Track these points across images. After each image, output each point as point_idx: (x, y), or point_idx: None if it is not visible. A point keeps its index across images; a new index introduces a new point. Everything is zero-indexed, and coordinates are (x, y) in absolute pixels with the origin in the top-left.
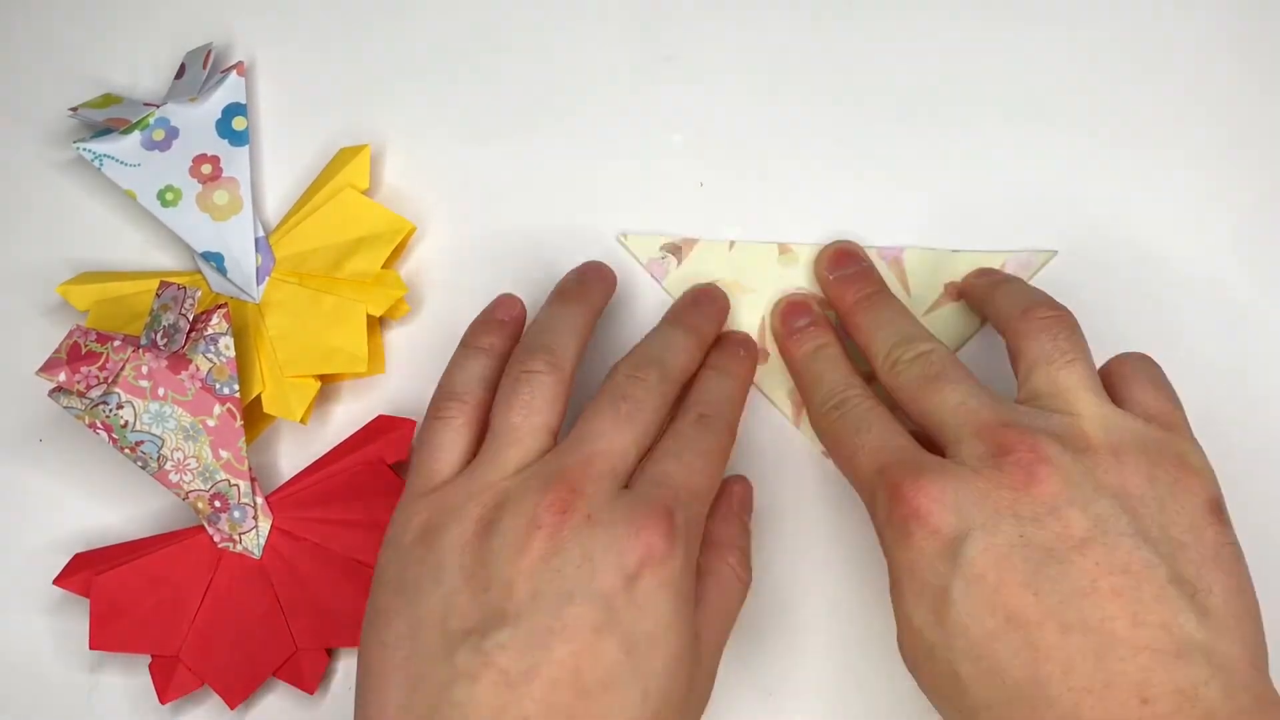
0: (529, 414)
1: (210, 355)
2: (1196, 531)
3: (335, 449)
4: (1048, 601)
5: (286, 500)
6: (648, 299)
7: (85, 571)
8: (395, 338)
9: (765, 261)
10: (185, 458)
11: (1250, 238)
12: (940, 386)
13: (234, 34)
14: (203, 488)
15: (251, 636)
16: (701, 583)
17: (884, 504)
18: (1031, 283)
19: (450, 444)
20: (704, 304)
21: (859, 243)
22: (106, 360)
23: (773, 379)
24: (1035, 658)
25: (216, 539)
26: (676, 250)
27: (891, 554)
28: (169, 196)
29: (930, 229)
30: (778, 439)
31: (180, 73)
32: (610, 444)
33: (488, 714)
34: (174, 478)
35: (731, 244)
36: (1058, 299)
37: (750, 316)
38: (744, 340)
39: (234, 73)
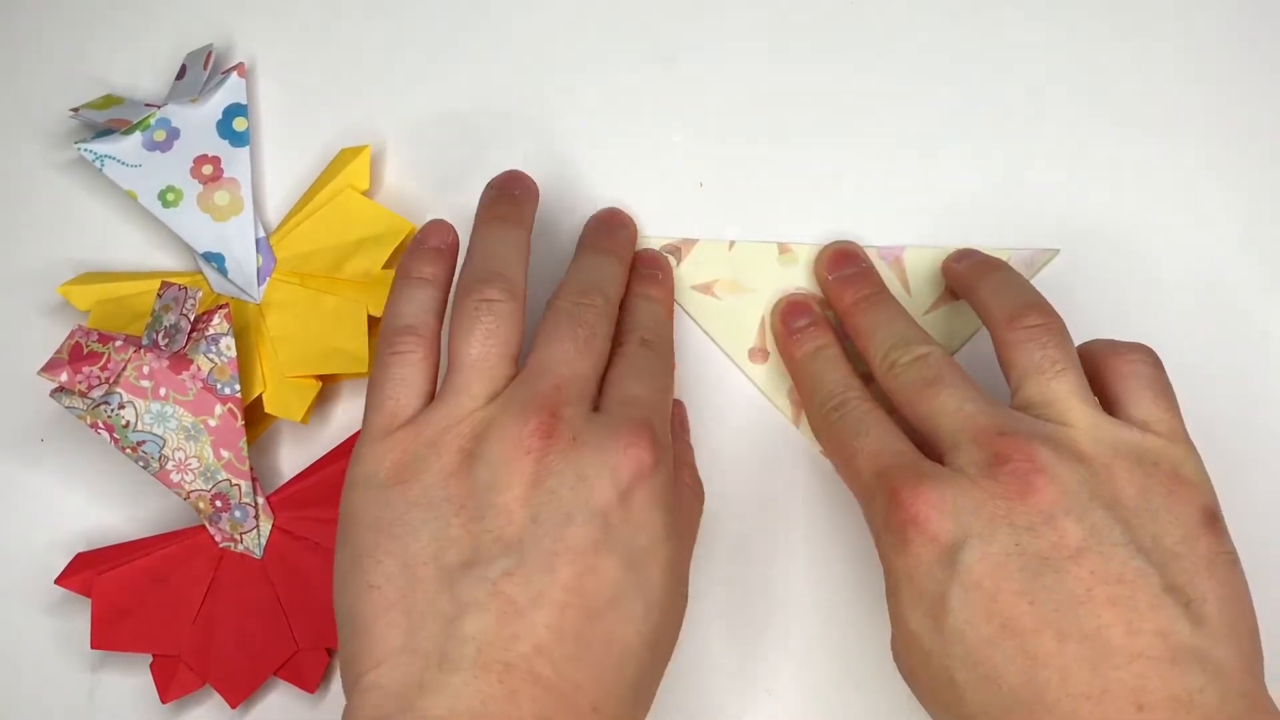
0: (492, 343)
1: (211, 355)
2: (1190, 541)
3: (336, 449)
4: (1044, 609)
5: (288, 500)
6: None
7: (87, 571)
8: None
9: (765, 261)
10: (186, 458)
11: (1251, 238)
12: (938, 390)
13: (234, 35)
14: (204, 488)
15: (252, 636)
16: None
17: (882, 509)
18: (1033, 282)
19: (409, 378)
20: (617, 229)
21: (859, 242)
22: (108, 360)
23: (773, 379)
24: (1032, 665)
25: (218, 539)
26: (676, 250)
27: (888, 559)
28: (170, 197)
29: (930, 229)
30: (778, 439)
31: (181, 74)
32: (574, 369)
33: (499, 643)
34: (175, 478)
35: (731, 244)
36: (1058, 299)
37: (750, 317)
38: (655, 260)
39: (235, 74)
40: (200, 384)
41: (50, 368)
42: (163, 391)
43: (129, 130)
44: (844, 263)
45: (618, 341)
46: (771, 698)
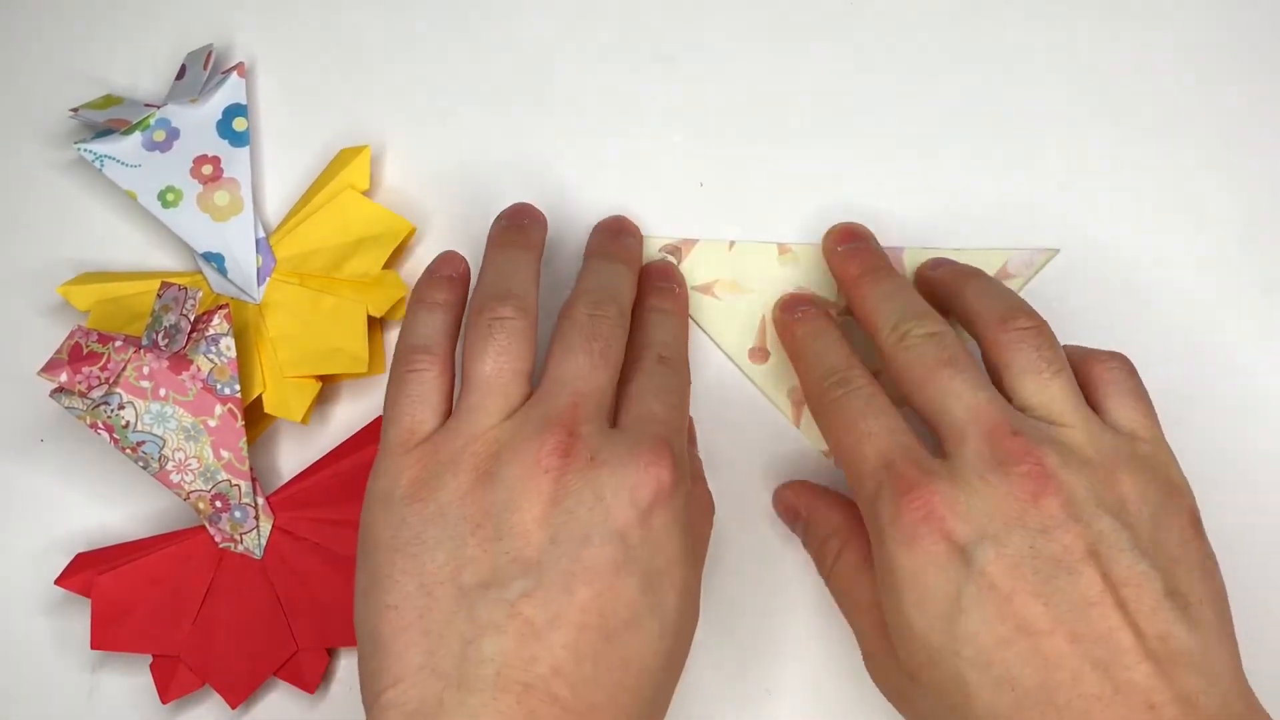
0: (506, 360)
1: (211, 356)
2: (1185, 545)
3: (336, 449)
4: (1058, 611)
5: (287, 500)
6: None
7: (86, 572)
8: (395, 338)
9: (765, 261)
10: (186, 458)
11: (1251, 237)
12: (951, 374)
13: (234, 35)
14: (204, 488)
15: (252, 636)
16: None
17: (890, 503)
18: (1034, 281)
19: (426, 395)
20: (624, 235)
21: None
22: (108, 361)
23: (773, 379)
24: (1046, 665)
25: (217, 539)
26: (676, 251)
27: (892, 556)
28: (170, 197)
29: (931, 229)
30: (778, 439)
31: (181, 74)
32: (590, 384)
33: (518, 665)
34: (175, 478)
35: (731, 244)
36: (1058, 299)
37: (750, 317)
38: (669, 272)
39: (234, 73)
40: (200, 384)
41: (50, 368)
42: (162, 392)
43: (129, 130)
44: (852, 238)
45: (634, 356)
46: (771, 697)
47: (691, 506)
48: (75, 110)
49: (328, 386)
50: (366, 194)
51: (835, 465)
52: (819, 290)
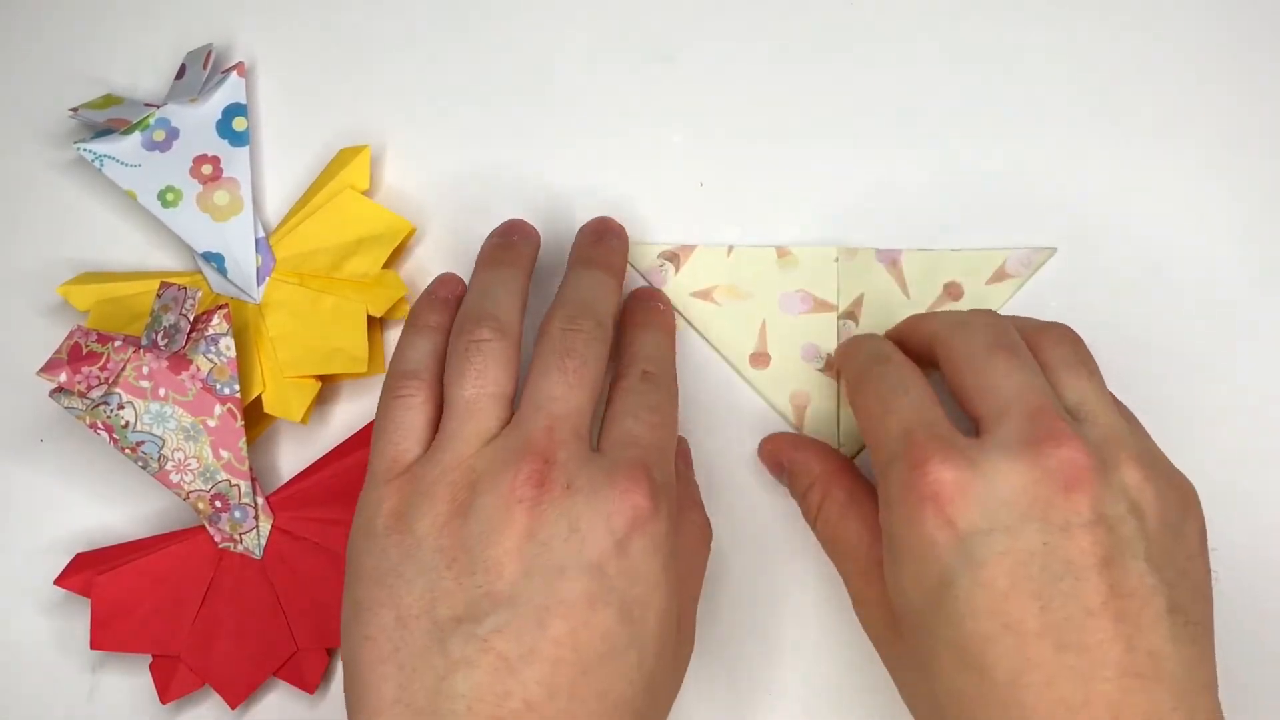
0: (483, 384)
1: (211, 355)
2: (1193, 560)
3: (336, 449)
4: (1053, 617)
5: (287, 500)
6: None
7: (86, 571)
8: (395, 338)
9: (764, 265)
10: (186, 458)
11: (1251, 238)
12: (1008, 357)
13: (234, 34)
14: (203, 488)
15: (252, 636)
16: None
17: (900, 475)
18: (1033, 281)
19: (411, 423)
20: (608, 238)
21: (859, 243)
22: (107, 361)
23: (774, 384)
24: (1024, 666)
25: (217, 539)
26: (674, 257)
27: (893, 526)
28: (169, 197)
29: (930, 229)
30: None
31: (180, 73)
32: (567, 405)
33: (490, 700)
34: (175, 478)
35: (730, 249)
36: (1058, 299)
37: (750, 322)
38: (656, 294)
39: (234, 73)
40: (199, 384)
41: (49, 368)
42: (162, 392)
43: (128, 130)
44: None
45: (618, 373)
46: (771, 697)
47: (680, 532)
48: (75, 110)
49: (327, 386)
50: (366, 194)
51: (864, 443)
52: (818, 290)
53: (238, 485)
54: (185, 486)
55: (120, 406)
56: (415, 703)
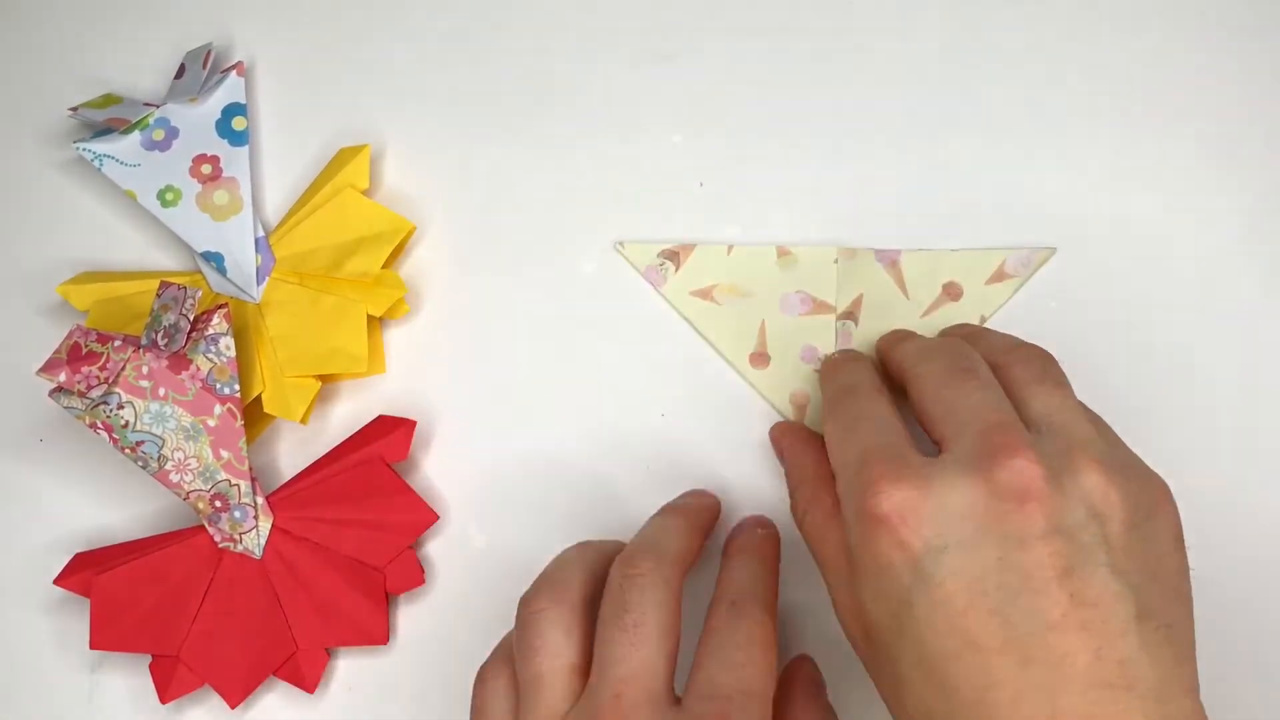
0: (546, 658)
1: (211, 355)
2: (1163, 560)
3: (336, 449)
4: (1015, 632)
5: (287, 500)
6: (646, 307)
7: (86, 571)
8: (395, 338)
9: (764, 264)
10: (186, 458)
11: (1252, 236)
12: (968, 379)
13: (234, 34)
14: (203, 488)
15: (252, 636)
16: None
17: (856, 495)
18: (1032, 282)
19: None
20: (691, 495)
21: (859, 242)
22: (107, 360)
23: (774, 383)
24: (989, 683)
25: (217, 539)
26: (674, 256)
27: (855, 551)
28: (169, 196)
29: (931, 228)
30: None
31: (180, 73)
32: (631, 668)
33: None
34: (174, 478)
35: (730, 248)
36: (1058, 300)
37: (750, 321)
38: (760, 520)
39: (234, 73)
40: (199, 384)
41: (49, 368)
42: (162, 391)
43: (128, 129)
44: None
45: (709, 609)
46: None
47: None
48: (74, 109)
49: (327, 386)
50: (366, 193)
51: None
52: (817, 291)
53: (238, 485)
54: (185, 486)
55: (120, 406)
56: None
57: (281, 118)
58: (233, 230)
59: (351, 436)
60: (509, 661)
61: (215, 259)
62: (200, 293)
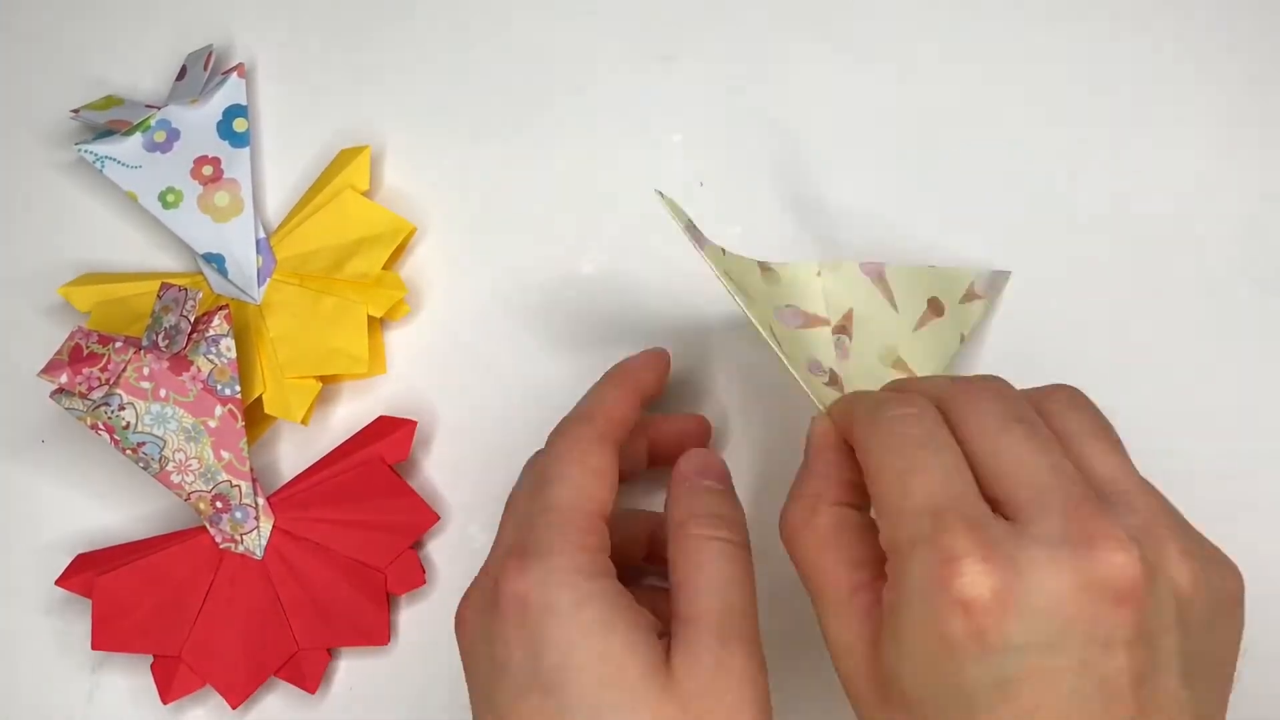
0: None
1: (211, 356)
2: (1225, 667)
3: (336, 450)
4: None
5: (288, 501)
6: (646, 308)
7: (87, 572)
8: (396, 338)
9: (752, 277)
10: (187, 459)
11: (1251, 238)
12: (1029, 434)
13: (234, 35)
14: (204, 489)
15: (253, 636)
16: None
17: (927, 565)
18: (1032, 284)
19: None
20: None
21: (860, 242)
22: (108, 362)
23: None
24: None
25: (218, 539)
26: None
27: (908, 621)
28: (170, 198)
29: (931, 227)
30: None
31: (181, 74)
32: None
33: None
34: (175, 479)
35: (724, 251)
36: (1057, 300)
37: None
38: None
39: (234, 74)
40: (200, 385)
41: (50, 369)
42: (163, 393)
43: (129, 131)
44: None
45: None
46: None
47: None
48: (76, 111)
49: (328, 387)
50: (366, 194)
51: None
52: (806, 305)
53: (239, 486)
54: (186, 487)
55: (121, 407)
56: None
57: (282, 119)
58: (234, 231)
59: (352, 437)
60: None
61: (216, 260)
62: (201, 294)
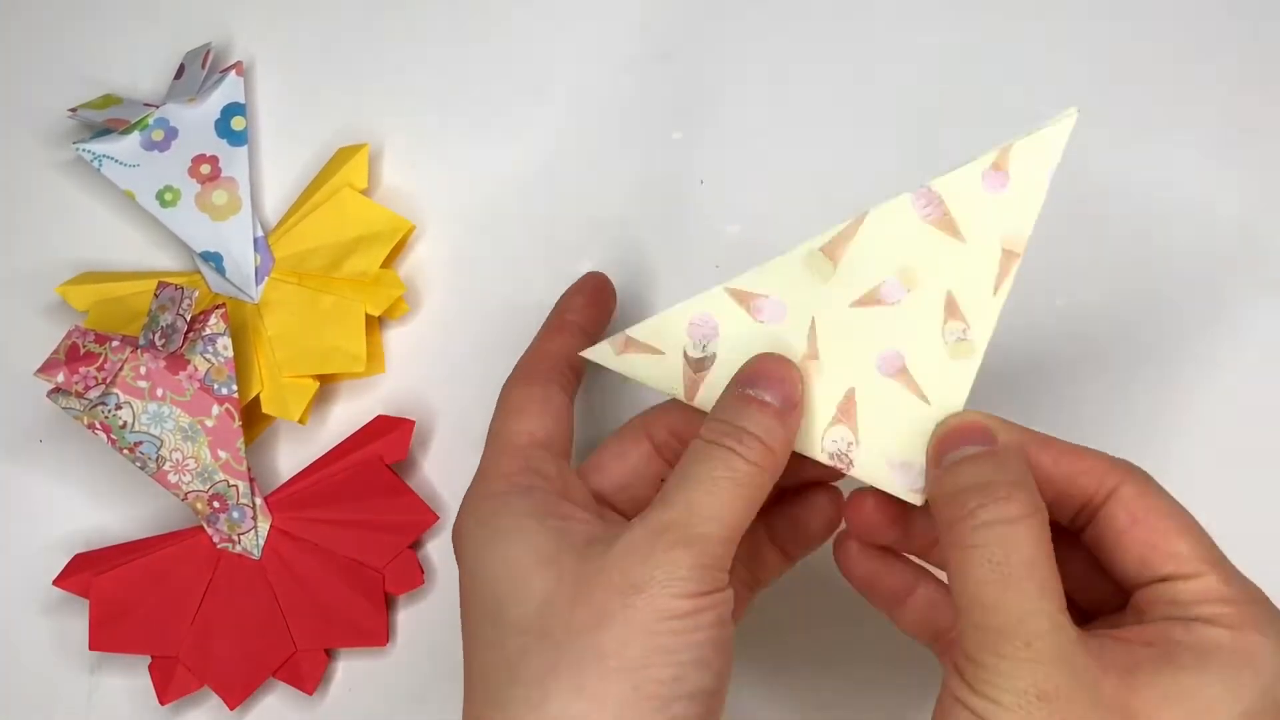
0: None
1: (208, 355)
2: None
3: (334, 449)
4: None
5: (286, 500)
6: (645, 308)
7: (85, 572)
8: (394, 337)
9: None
10: (184, 458)
11: (1251, 240)
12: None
13: (233, 34)
14: (201, 488)
15: (251, 637)
16: None
17: (1022, 689)
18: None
19: None
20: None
21: None
22: (105, 361)
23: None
24: None
25: (215, 539)
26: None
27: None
28: (168, 197)
29: None
30: None
31: (179, 73)
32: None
33: None
34: (173, 478)
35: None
36: (1057, 301)
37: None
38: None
39: (233, 73)
40: (197, 384)
41: (47, 368)
42: (160, 392)
43: (127, 130)
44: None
45: None
46: (774, 692)
47: None
48: (74, 110)
49: (326, 386)
50: (365, 192)
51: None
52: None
53: (236, 486)
54: (183, 487)
55: (118, 407)
56: None
57: (280, 117)
58: (232, 230)
59: (350, 437)
60: None
61: (214, 259)
62: (197, 293)
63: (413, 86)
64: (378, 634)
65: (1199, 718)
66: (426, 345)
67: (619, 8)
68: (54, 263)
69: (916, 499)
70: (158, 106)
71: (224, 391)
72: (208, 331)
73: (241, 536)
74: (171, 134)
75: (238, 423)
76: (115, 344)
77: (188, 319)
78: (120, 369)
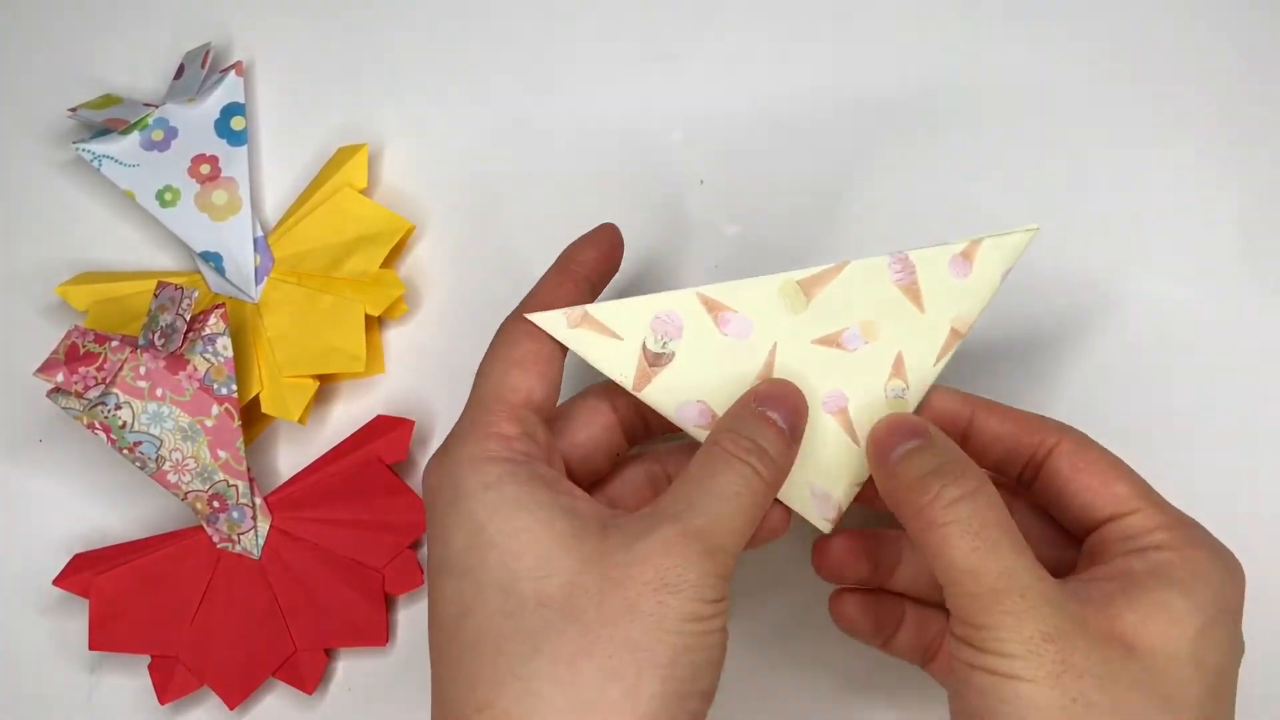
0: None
1: (208, 355)
2: None
3: (334, 449)
4: None
5: (285, 500)
6: None
7: (85, 572)
8: (394, 337)
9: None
10: (183, 458)
11: (1252, 241)
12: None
13: (232, 34)
14: (201, 488)
15: (250, 637)
16: None
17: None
18: (1031, 289)
19: None
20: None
21: (862, 239)
22: (104, 361)
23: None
24: None
25: (215, 539)
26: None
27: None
28: (168, 196)
29: (927, 226)
30: None
31: (179, 73)
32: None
33: None
34: (172, 478)
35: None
36: (1057, 302)
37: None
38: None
39: (232, 72)
40: (197, 384)
41: (46, 368)
42: (159, 392)
43: (127, 130)
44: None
45: None
46: (774, 696)
47: None
48: (74, 110)
49: (325, 386)
50: (364, 192)
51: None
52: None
53: (235, 485)
54: (183, 487)
55: (117, 407)
56: None
57: (280, 117)
58: (231, 230)
59: (350, 437)
60: None
61: (214, 259)
62: (196, 292)
63: (413, 86)
64: (377, 634)
65: (1174, 627)
66: (426, 345)
67: (621, 8)
68: (54, 263)
69: (826, 527)
70: (157, 106)
71: (224, 391)
72: (207, 331)
73: (241, 536)
74: (171, 134)
75: (237, 423)
76: (115, 344)
77: (187, 319)
78: (120, 369)
